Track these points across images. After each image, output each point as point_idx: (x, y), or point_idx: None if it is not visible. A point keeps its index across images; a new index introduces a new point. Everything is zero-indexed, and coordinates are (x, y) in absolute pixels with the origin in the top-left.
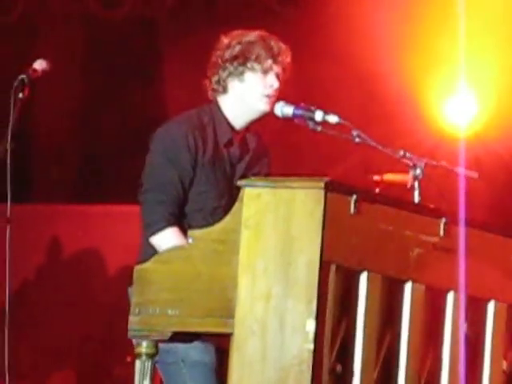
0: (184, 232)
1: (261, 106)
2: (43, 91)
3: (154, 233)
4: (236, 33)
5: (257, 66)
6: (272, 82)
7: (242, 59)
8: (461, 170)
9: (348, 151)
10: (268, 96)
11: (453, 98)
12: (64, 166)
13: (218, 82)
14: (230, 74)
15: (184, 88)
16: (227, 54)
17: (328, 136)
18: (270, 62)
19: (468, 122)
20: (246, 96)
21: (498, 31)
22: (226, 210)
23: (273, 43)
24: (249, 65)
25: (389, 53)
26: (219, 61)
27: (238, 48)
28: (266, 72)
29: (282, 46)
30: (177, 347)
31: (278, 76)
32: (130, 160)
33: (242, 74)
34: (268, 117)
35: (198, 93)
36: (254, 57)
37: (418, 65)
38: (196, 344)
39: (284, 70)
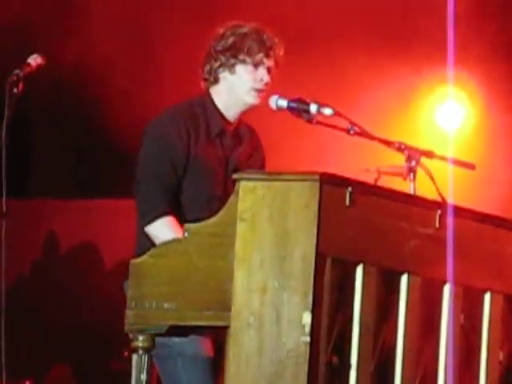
0: (180, 222)
1: (249, 99)
2: (39, 85)
3: (149, 222)
4: (231, 24)
5: (248, 59)
6: (262, 76)
7: (234, 51)
8: (456, 161)
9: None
10: (257, 90)
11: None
12: (61, 160)
13: (210, 72)
14: (222, 65)
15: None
16: (220, 45)
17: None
18: (261, 55)
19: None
20: (236, 88)
21: None
22: (222, 199)
23: (266, 37)
24: (240, 57)
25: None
26: (212, 51)
27: (231, 39)
28: (256, 65)
29: (276, 39)
30: (172, 341)
31: (269, 70)
32: (126, 154)
33: (233, 65)
34: (262, 110)
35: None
36: (245, 49)
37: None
38: (192, 338)
39: (276, 64)
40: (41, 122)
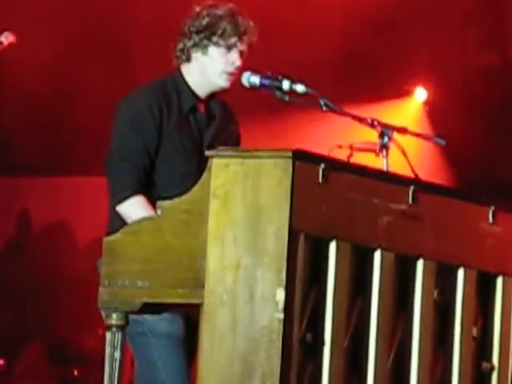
0: (153, 201)
1: (220, 82)
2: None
3: (120, 201)
4: (208, 3)
5: (221, 42)
6: (234, 60)
7: (208, 32)
8: (429, 137)
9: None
10: (228, 73)
11: None
12: (31, 139)
13: (183, 50)
14: (195, 45)
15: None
16: (195, 25)
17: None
18: (234, 39)
19: None
20: (207, 69)
21: None
22: (197, 175)
23: (240, 20)
24: (214, 39)
25: None
26: (186, 29)
27: (206, 20)
28: (229, 48)
29: (251, 23)
30: (144, 318)
31: (241, 54)
32: (98, 132)
33: (206, 47)
34: (235, 87)
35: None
36: (219, 32)
37: None
38: (164, 315)
39: (249, 47)
40: (10, 101)
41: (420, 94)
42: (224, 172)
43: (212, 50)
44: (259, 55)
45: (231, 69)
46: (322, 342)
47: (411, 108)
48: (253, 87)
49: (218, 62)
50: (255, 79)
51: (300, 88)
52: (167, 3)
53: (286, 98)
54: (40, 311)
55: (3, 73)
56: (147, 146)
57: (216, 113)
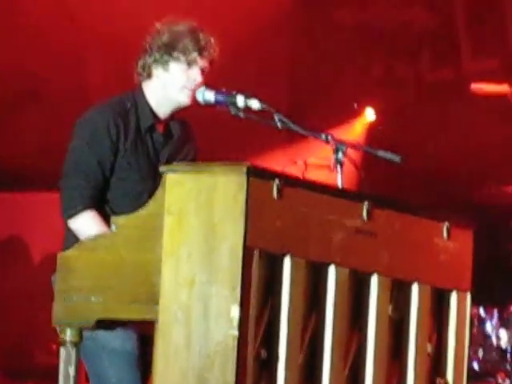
0: (106, 218)
1: (181, 98)
2: None
3: (70, 216)
4: (168, 20)
5: (182, 58)
6: (195, 76)
7: (169, 48)
8: (383, 154)
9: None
10: (189, 89)
11: None
12: None
13: (144, 67)
14: (156, 61)
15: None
16: (156, 41)
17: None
18: (195, 54)
19: None
20: (168, 85)
21: None
22: (152, 194)
23: (201, 36)
24: (174, 55)
25: None
26: (147, 46)
27: (166, 36)
28: (190, 64)
29: (212, 40)
30: (97, 334)
31: (202, 70)
32: (52, 147)
33: (166, 63)
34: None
35: None
36: (180, 47)
37: None
38: (118, 332)
39: (210, 63)
40: None
41: (369, 115)
42: (178, 188)
43: (173, 65)
44: None
45: (192, 85)
46: (277, 358)
47: (359, 128)
48: (207, 104)
49: (178, 77)
50: (209, 95)
51: (254, 104)
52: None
53: (241, 114)
54: None
55: None
56: (101, 163)
57: (175, 133)
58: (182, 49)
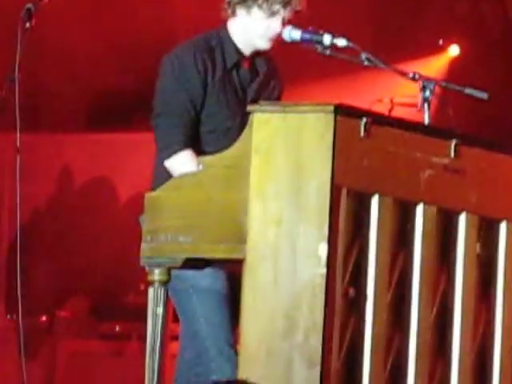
0: (197, 154)
1: (261, 45)
2: (52, 20)
3: (169, 156)
4: None
5: (265, 6)
6: (275, 26)
7: None
8: (470, 91)
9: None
10: (269, 38)
11: None
12: (72, 95)
13: (229, 3)
14: (240, 2)
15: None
16: None
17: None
18: (278, 6)
19: None
20: (249, 30)
21: None
22: (240, 130)
23: None
24: (259, 1)
25: None
26: None
27: None
28: (272, 15)
29: None
30: (186, 274)
31: (283, 20)
32: (139, 89)
33: (250, 7)
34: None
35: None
36: None
37: None
38: (206, 271)
39: (295, 13)
40: (51, 57)
41: (453, 50)
42: (265, 127)
43: (255, 11)
44: None
45: (271, 34)
46: (365, 297)
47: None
48: (293, 42)
49: (259, 25)
50: (296, 34)
51: (341, 42)
52: None
53: (328, 51)
54: (82, 267)
55: (43, 26)
56: (193, 100)
57: (260, 69)
58: None
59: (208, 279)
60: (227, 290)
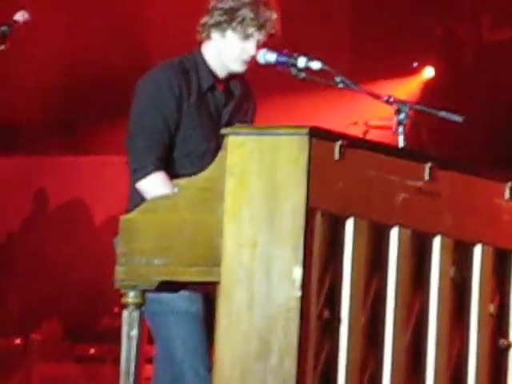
0: (171, 178)
1: (235, 67)
2: (27, 42)
3: (140, 177)
4: None
5: (239, 29)
6: (249, 49)
7: (229, 16)
8: (444, 114)
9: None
10: (243, 61)
11: None
12: (49, 117)
13: (204, 26)
14: (215, 25)
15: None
16: (219, 5)
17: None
18: (252, 29)
19: None
20: (223, 53)
21: None
22: (215, 153)
23: (262, 11)
24: (233, 24)
25: None
26: (210, 7)
27: (229, 4)
28: (246, 37)
29: (274, 15)
30: (163, 297)
31: (258, 43)
32: (116, 110)
33: (224, 30)
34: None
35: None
36: (239, 19)
37: None
38: (182, 294)
39: (270, 37)
40: (26, 81)
41: (428, 72)
42: (240, 150)
43: (229, 34)
44: None
45: (246, 57)
46: (339, 320)
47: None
48: (268, 64)
49: (233, 48)
50: (271, 56)
51: (316, 65)
52: None
53: (302, 75)
54: (56, 290)
55: (18, 52)
56: (167, 122)
57: (235, 91)
58: (241, 21)
59: (185, 302)
60: (203, 312)
